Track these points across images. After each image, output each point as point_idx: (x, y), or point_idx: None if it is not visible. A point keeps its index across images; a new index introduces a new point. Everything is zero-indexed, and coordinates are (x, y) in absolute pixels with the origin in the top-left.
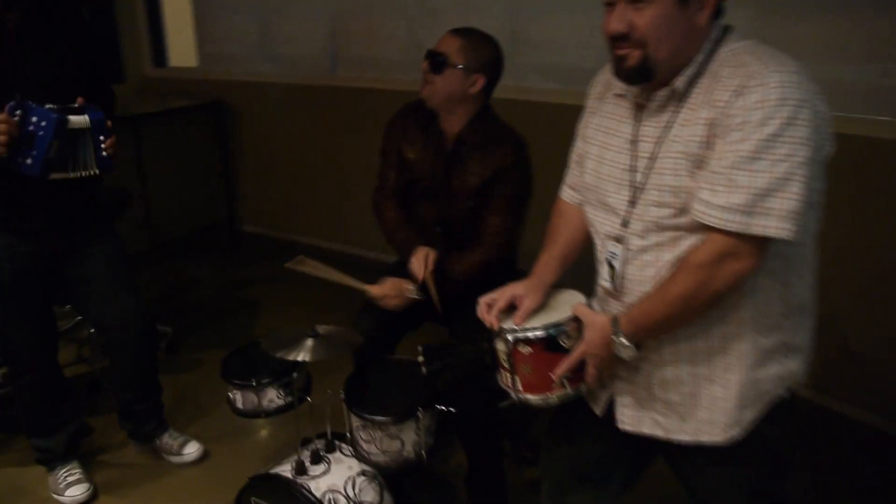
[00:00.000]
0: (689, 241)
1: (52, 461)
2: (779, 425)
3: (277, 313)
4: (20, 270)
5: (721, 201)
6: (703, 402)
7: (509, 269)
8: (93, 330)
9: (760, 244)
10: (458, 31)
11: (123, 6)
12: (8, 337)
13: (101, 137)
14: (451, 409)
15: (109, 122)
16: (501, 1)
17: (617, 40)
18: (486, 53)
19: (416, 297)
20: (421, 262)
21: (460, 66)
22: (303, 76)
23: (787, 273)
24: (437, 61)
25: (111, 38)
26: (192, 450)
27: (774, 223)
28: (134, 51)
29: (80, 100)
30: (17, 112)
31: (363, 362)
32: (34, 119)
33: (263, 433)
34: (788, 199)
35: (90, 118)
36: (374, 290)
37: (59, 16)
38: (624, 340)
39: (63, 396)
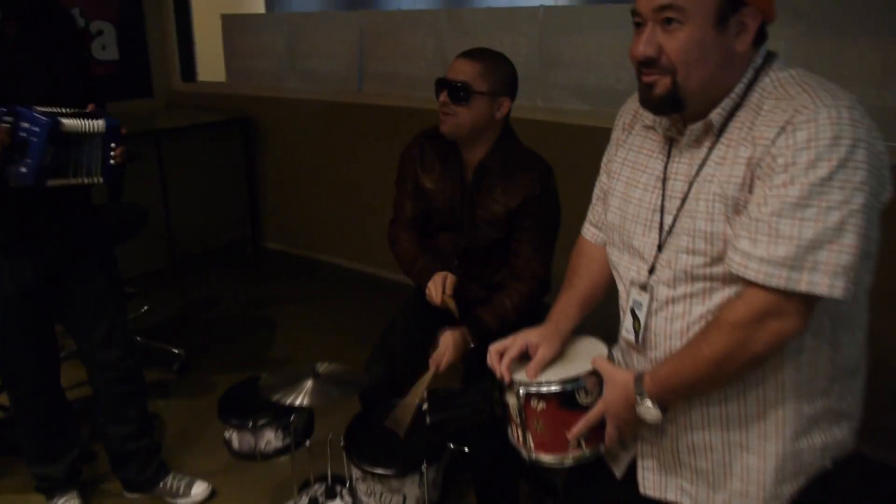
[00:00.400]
0: (723, 294)
1: (51, 489)
2: (821, 500)
3: (297, 334)
4: (23, 293)
5: (762, 253)
6: (736, 471)
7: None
8: None
9: (807, 302)
10: (471, 55)
11: (154, 20)
12: (9, 360)
13: (113, 145)
14: (464, 448)
15: (124, 130)
16: (532, 17)
17: (644, 65)
18: (505, 72)
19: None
20: (438, 285)
21: (485, 92)
22: (330, 92)
23: (836, 332)
24: (459, 92)
25: (141, 51)
26: (200, 490)
27: (824, 280)
28: (163, 65)
29: (91, 106)
30: (8, 119)
31: (370, 404)
32: (25, 125)
33: (274, 467)
34: (841, 253)
35: (107, 124)
36: (436, 359)
37: (55, 26)
38: (648, 403)
39: (65, 422)
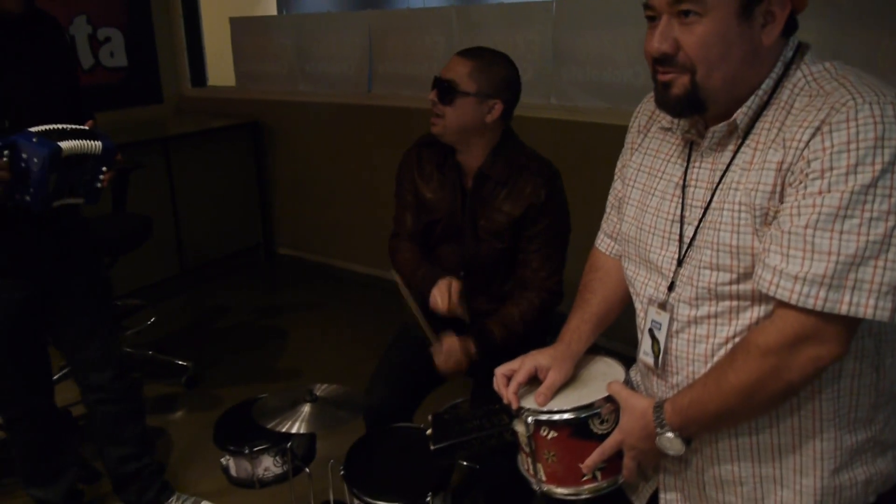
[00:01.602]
0: (752, 314)
1: None
2: None
3: (309, 344)
4: (13, 313)
5: (797, 270)
6: None
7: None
8: None
9: (849, 325)
10: (465, 53)
11: (162, 25)
12: (1, 382)
13: (104, 168)
14: (476, 465)
15: (119, 156)
16: (545, 12)
17: (660, 62)
18: (499, 74)
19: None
20: (444, 292)
21: (472, 93)
22: (340, 95)
23: (880, 355)
24: (445, 90)
25: (150, 57)
26: None
27: (869, 300)
28: (173, 71)
29: (89, 122)
30: (5, 153)
31: (374, 426)
32: (24, 156)
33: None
34: (887, 270)
35: (104, 146)
36: (436, 356)
37: (42, 35)
38: (670, 435)
39: (61, 442)
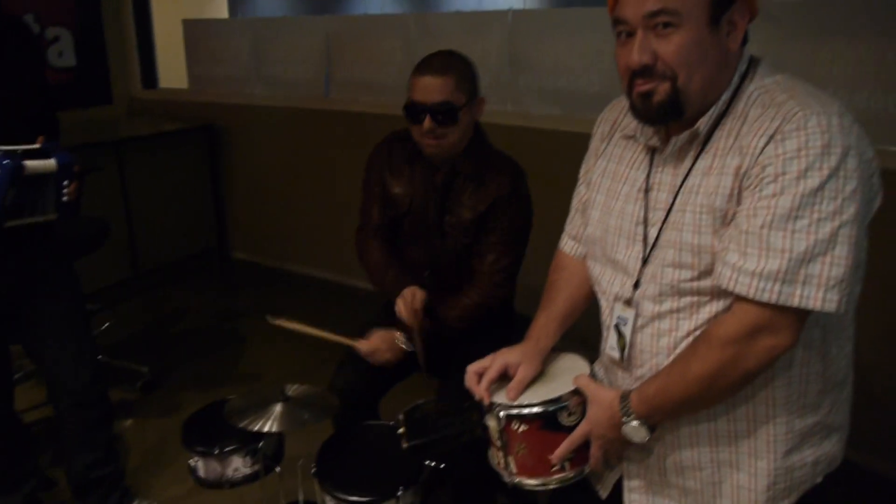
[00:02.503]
0: (711, 308)
1: None
2: None
3: (267, 349)
4: None
5: (753, 266)
6: (725, 490)
7: (506, 312)
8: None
9: (800, 316)
10: (436, 70)
11: (112, 25)
12: None
13: (66, 182)
14: (441, 464)
15: (77, 167)
16: (501, 21)
17: (639, 74)
18: (469, 70)
19: (409, 348)
20: (408, 305)
21: (465, 103)
22: (296, 99)
23: (826, 345)
24: (447, 113)
25: (100, 58)
26: None
27: (818, 293)
28: (123, 72)
29: (40, 139)
30: None
31: (342, 424)
32: None
33: (244, 493)
34: (834, 265)
35: (58, 162)
36: (363, 345)
37: (9, 38)
38: (635, 423)
39: (19, 450)
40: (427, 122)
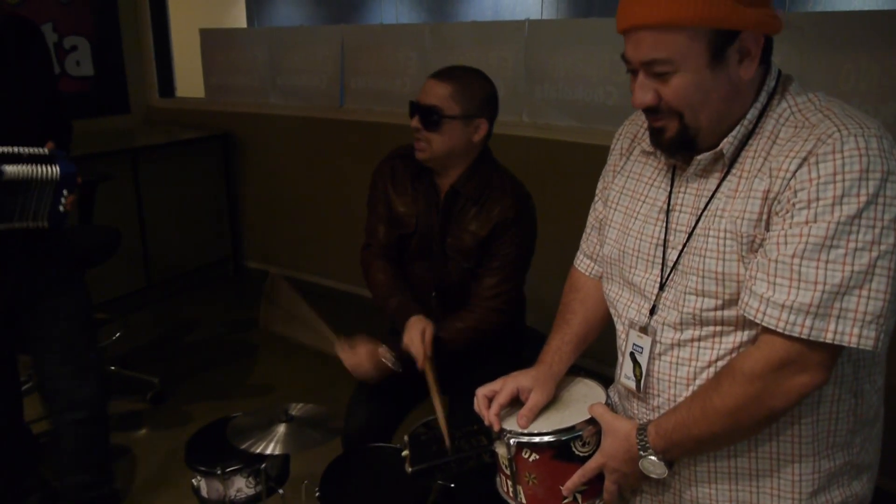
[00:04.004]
0: (735, 338)
1: None
2: None
3: (279, 360)
4: None
5: (783, 299)
6: None
7: (516, 330)
8: None
9: (832, 353)
10: (441, 76)
11: (130, 35)
12: None
13: (65, 192)
14: (450, 484)
15: (80, 179)
16: (517, 32)
17: (649, 112)
18: (480, 92)
19: (397, 368)
20: (418, 341)
21: (457, 116)
22: (311, 108)
23: (858, 381)
24: (429, 116)
25: (117, 67)
26: None
27: (853, 329)
28: (140, 81)
29: (49, 144)
30: None
31: (351, 448)
32: None
33: None
34: (871, 299)
35: (61, 171)
36: (347, 357)
37: (17, 46)
38: (653, 458)
39: (26, 462)
40: (414, 121)
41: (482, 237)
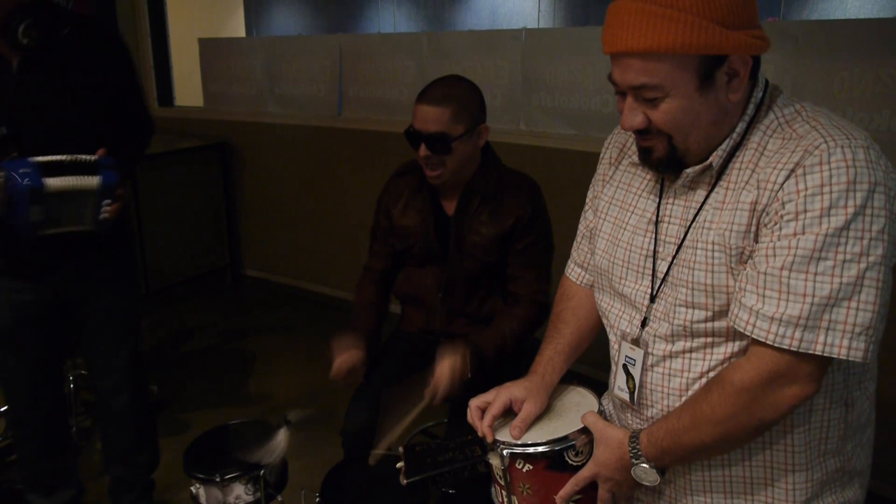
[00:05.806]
0: (726, 349)
1: None
2: None
3: (278, 368)
4: (21, 320)
5: (772, 311)
6: None
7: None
8: None
9: (822, 364)
10: (436, 100)
11: (129, 44)
12: (11, 397)
13: (107, 202)
14: (449, 490)
15: (120, 191)
16: (514, 40)
17: (637, 133)
18: (472, 101)
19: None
20: (447, 376)
21: (464, 133)
22: (309, 117)
23: (848, 390)
24: (438, 144)
25: None
26: None
27: (842, 341)
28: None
29: (100, 151)
30: (1, 174)
31: (352, 453)
32: (10, 184)
33: None
34: (860, 311)
35: (101, 181)
36: (337, 360)
37: (85, 49)
38: (645, 465)
39: (67, 459)
40: (422, 150)
41: (505, 231)
